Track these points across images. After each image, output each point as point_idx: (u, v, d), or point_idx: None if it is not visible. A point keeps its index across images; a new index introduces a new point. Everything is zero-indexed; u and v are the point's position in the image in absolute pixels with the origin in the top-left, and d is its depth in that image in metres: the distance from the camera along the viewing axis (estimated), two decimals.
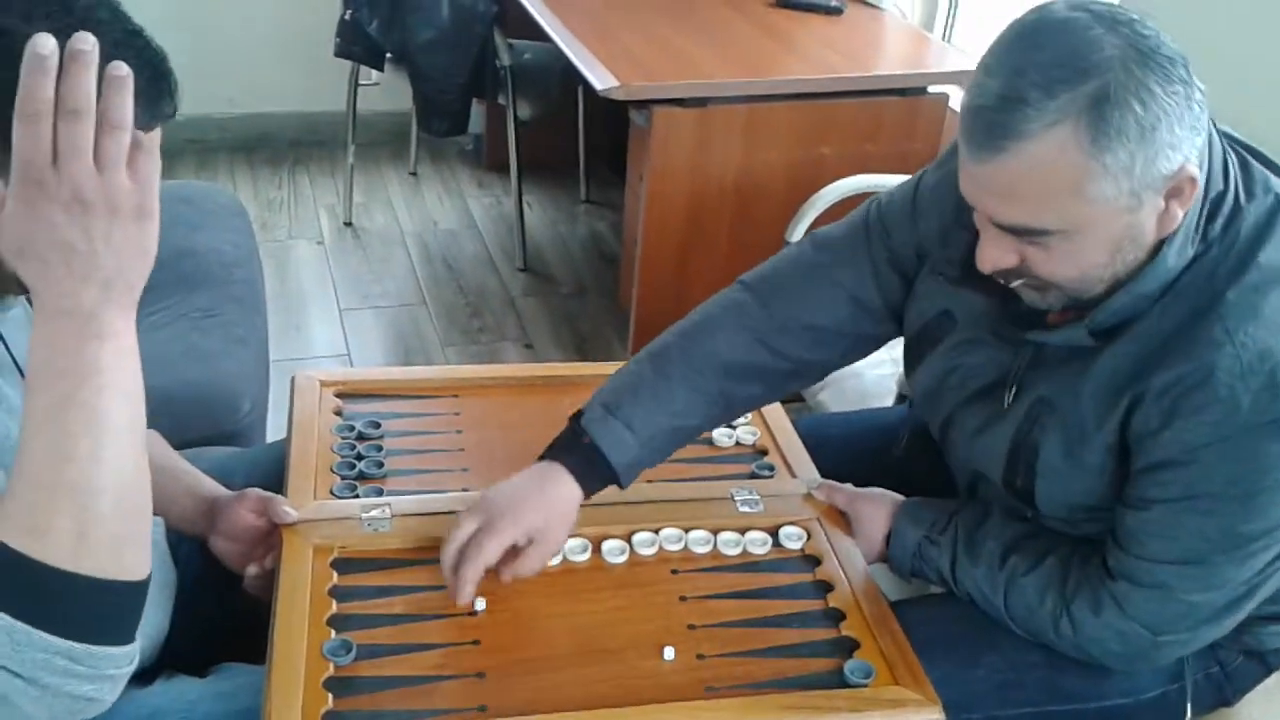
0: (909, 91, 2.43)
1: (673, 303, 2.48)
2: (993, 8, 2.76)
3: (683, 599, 1.14)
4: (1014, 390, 1.12)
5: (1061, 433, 1.07)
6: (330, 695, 0.99)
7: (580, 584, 1.15)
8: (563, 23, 2.53)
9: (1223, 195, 1.01)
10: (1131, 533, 1.05)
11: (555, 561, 1.17)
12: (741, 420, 1.41)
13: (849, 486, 1.27)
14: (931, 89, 2.46)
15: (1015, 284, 1.04)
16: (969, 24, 2.78)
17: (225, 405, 1.71)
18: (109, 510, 0.80)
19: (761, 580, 1.17)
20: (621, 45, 2.43)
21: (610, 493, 1.24)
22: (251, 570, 1.19)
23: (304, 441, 1.30)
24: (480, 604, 1.10)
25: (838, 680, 1.05)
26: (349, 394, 1.41)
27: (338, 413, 1.38)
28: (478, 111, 3.36)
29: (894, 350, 2.00)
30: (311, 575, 1.11)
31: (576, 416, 1.21)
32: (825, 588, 1.17)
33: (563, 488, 1.16)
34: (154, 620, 1.10)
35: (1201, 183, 0.96)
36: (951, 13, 2.81)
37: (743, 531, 1.22)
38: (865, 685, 1.04)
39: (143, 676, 1.09)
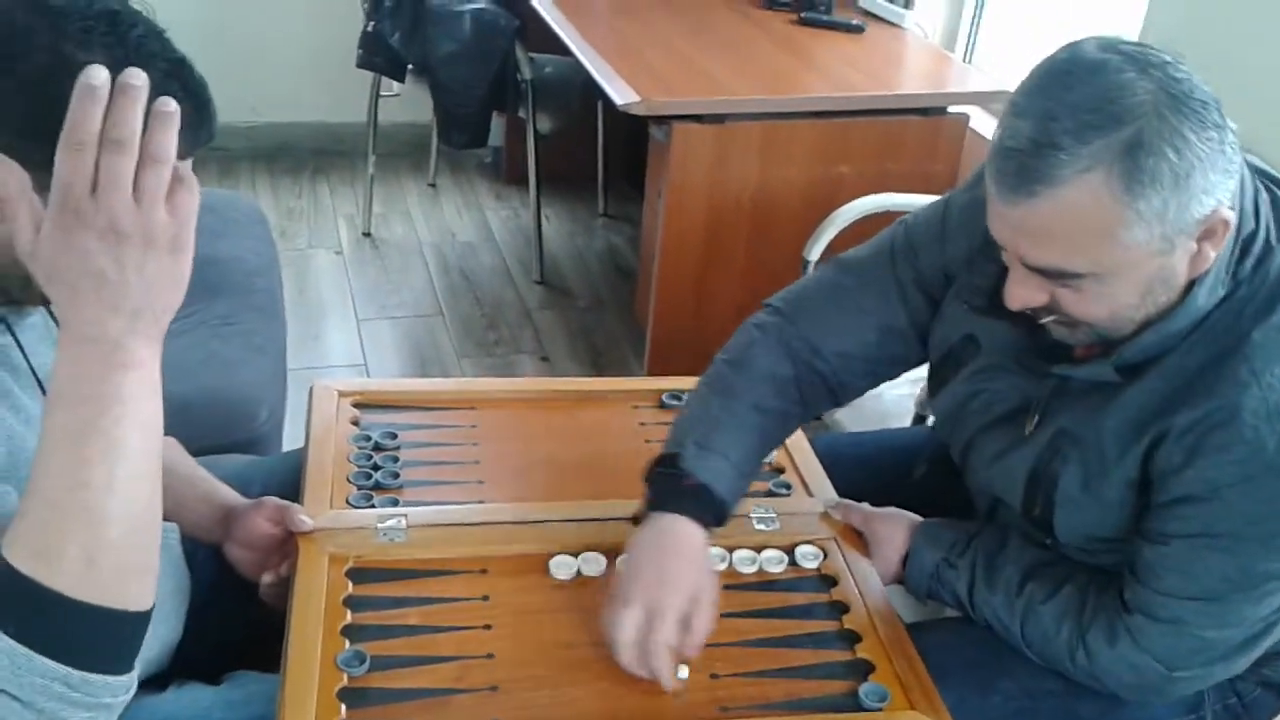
0: (929, 111, 2.43)
1: (690, 318, 2.49)
2: (1015, 29, 2.76)
3: None
4: (1036, 420, 1.11)
5: (1081, 465, 1.07)
6: (343, 706, 0.99)
7: (595, 599, 1.14)
8: (584, 37, 2.54)
9: (1254, 234, 1.00)
10: (1149, 566, 1.05)
11: (569, 576, 1.16)
12: None
13: (866, 506, 1.27)
14: (952, 109, 2.45)
15: (1044, 320, 1.03)
16: (990, 44, 2.78)
17: (243, 413, 1.72)
18: (118, 539, 0.80)
19: (777, 599, 1.17)
20: (642, 60, 2.44)
21: (625, 507, 1.24)
22: (266, 578, 1.18)
23: (321, 451, 1.31)
24: (684, 672, 1.05)
25: (852, 703, 1.05)
26: (366, 404, 1.42)
27: (355, 423, 1.38)
28: (497, 124, 3.37)
29: (912, 371, 2.00)
30: (326, 585, 1.11)
31: (666, 462, 1.17)
32: (841, 608, 1.16)
33: (692, 537, 1.12)
34: (168, 626, 1.10)
35: (1234, 223, 0.95)
36: (973, 33, 2.81)
37: (759, 549, 1.21)
38: (880, 709, 1.04)
39: (155, 683, 1.09)
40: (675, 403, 1.46)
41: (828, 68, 2.53)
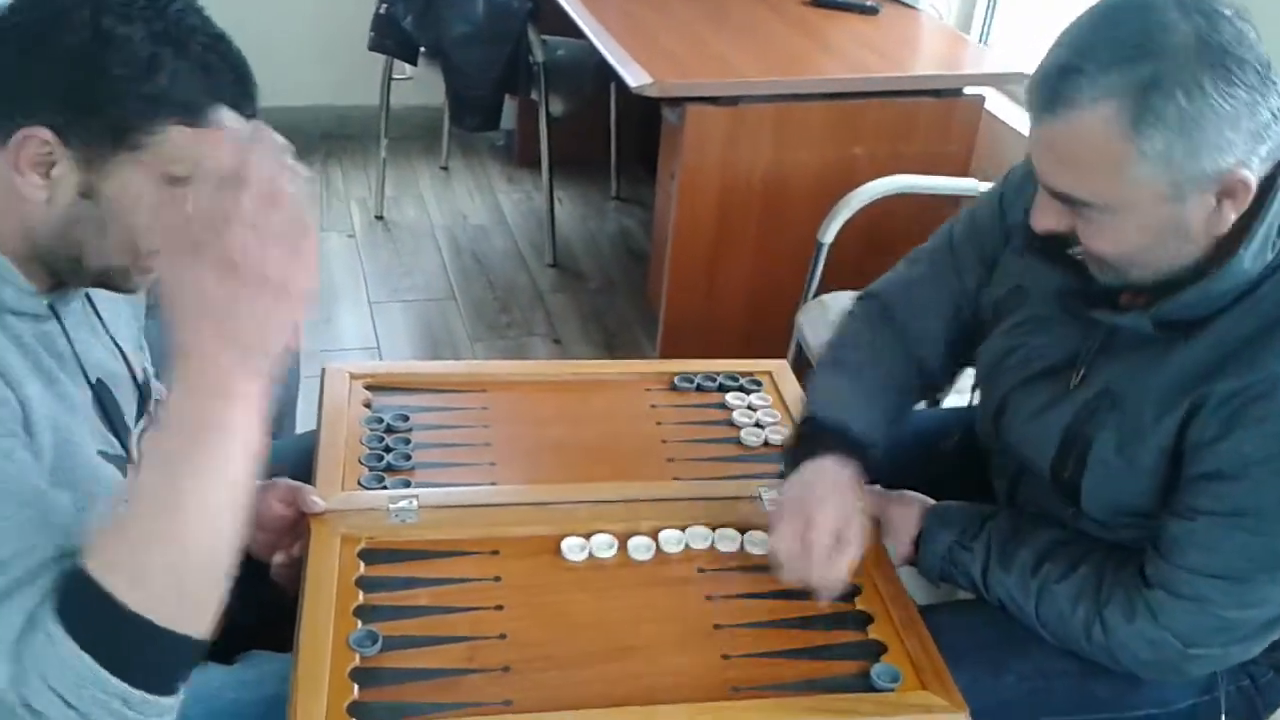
0: (944, 93, 2.41)
1: (702, 301, 2.48)
2: (1030, 9, 2.73)
3: (709, 598, 1.14)
4: (1082, 373, 1.11)
5: (1118, 428, 1.06)
6: (356, 686, 0.99)
7: (606, 581, 1.15)
8: (597, 19, 2.53)
9: None
10: (1174, 541, 1.04)
11: (581, 557, 1.16)
12: (769, 419, 1.41)
13: (878, 488, 1.27)
14: (967, 90, 2.44)
15: (1073, 251, 1.05)
16: (1006, 25, 2.76)
17: None
18: (200, 566, 0.81)
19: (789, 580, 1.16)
20: (655, 42, 2.43)
21: (637, 489, 1.25)
22: (279, 559, 1.19)
23: (333, 433, 1.31)
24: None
25: (864, 684, 1.05)
26: (378, 387, 1.42)
27: (367, 405, 1.38)
28: (510, 107, 3.36)
29: None
30: (339, 565, 1.12)
31: (804, 424, 1.23)
32: (853, 590, 1.16)
33: (837, 469, 1.16)
34: None
35: (1253, 187, 0.94)
36: (989, 14, 2.79)
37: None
38: (892, 690, 1.04)
39: None
40: (687, 385, 1.46)
41: (842, 49, 2.51)
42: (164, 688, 0.83)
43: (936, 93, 2.40)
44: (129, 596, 0.79)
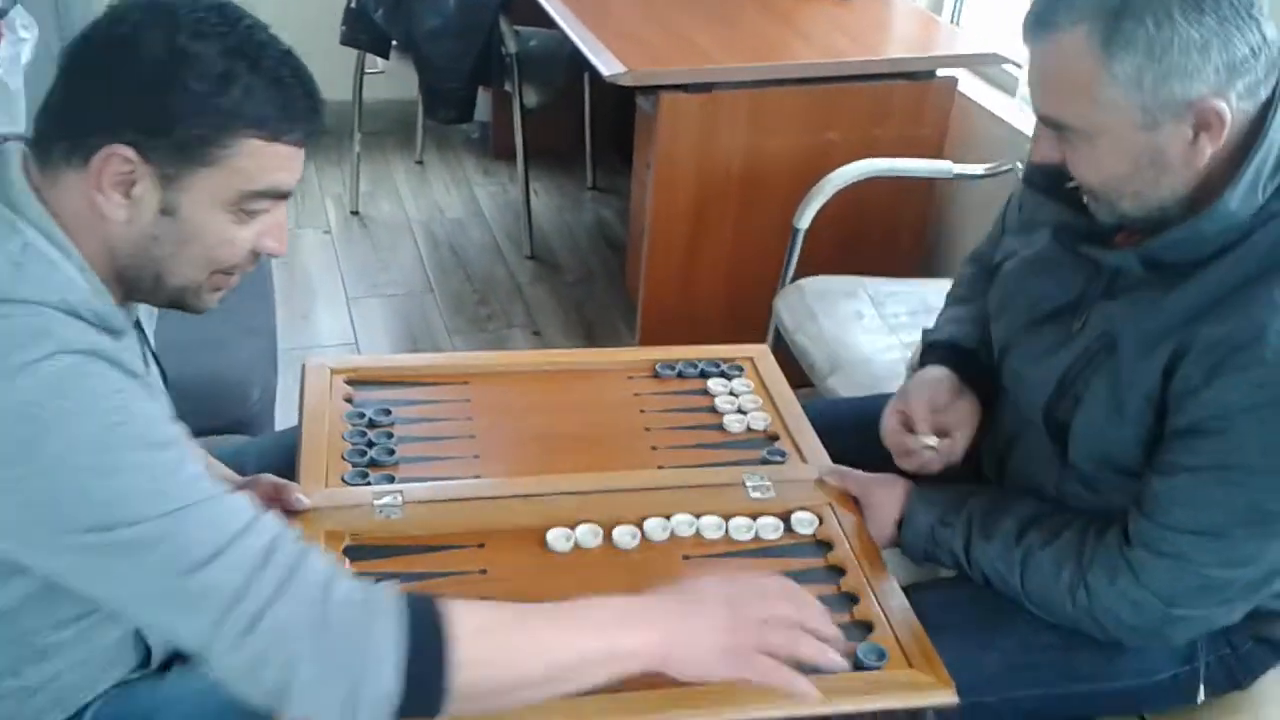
0: (917, 75, 2.41)
1: (680, 288, 2.49)
2: None
3: None
4: (1084, 320, 1.13)
5: (1113, 371, 1.07)
6: None
7: (592, 570, 1.15)
8: (569, 8, 2.52)
9: None
10: (1156, 498, 1.05)
11: (567, 548, 1.17)
12: (752, 405, 1.41)
13: (860, 472, 1.27)
14: (940, 72, 2.44)
15: (1073, 184, 1.08)
16: (978, 7, 2.77)
17: (235, 394, 1.72)
18: (505, 705, 0.92)
19: (773, 565, 1.17)
20: (627, 31, 2.43)
21: (621, 479, 1.25)
22: None
23: (315, 429, 1.31)
24: (932, 440, 1.24)
25: (851, 663, 1.05)
26: (359, 381, 1.42)
27: (348, 400, 1.38)
28: (484, 99, 3.35)
29: (903, 335, 2.00)
30: None
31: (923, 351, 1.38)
32: (838, 572, 1.17)
33: (934, 370, 1.31)
34: None
35: (1228, 120, 0.97)
36: None
37: (754, 517, 1.22)
38: (879, 668, 1.04)
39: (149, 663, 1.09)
40: (669, 373, 1.47)
41: (814, 34, 2.51)
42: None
43: (909, 75, 2.41)
44: (458, 679, 0.86)
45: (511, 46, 2.94)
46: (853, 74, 2.37)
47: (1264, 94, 1.00)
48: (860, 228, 2.44)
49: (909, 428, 1.26)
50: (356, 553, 1.14)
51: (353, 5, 3.02)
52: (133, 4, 0.90)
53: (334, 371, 1.41)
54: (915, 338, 1.92)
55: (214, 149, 0.90)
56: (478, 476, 1.27)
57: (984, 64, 2.54)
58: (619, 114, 3.24)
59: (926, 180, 2.44)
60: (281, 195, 0.96)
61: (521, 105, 3.03)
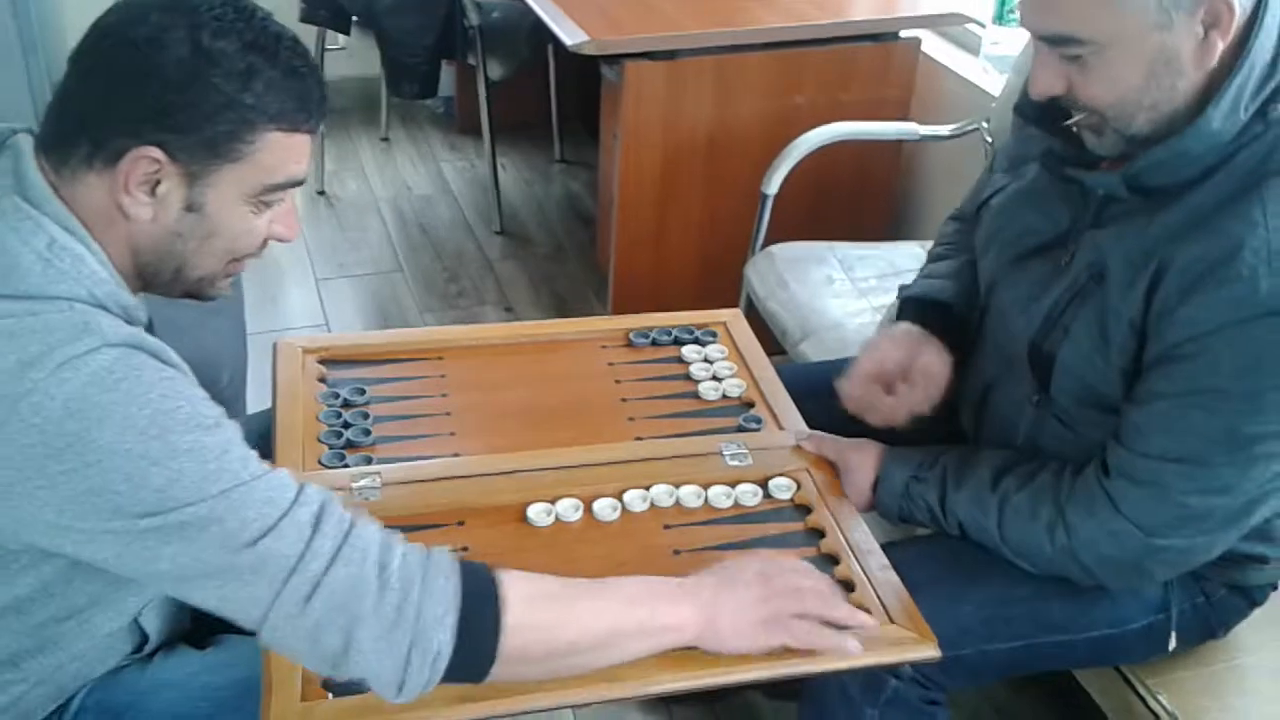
0: (882, 37, 2.41)
1: (651, 259, 2.48)
2: None
3: (676, 552, 1.15)
4: (1072, 253, 1.13)
5: (1100, 301, 1.08)
6: None
7: (573, 543, 1.15)
8: None
9: None
10: (1134, 427, 1.05)
11: (547, 522, 1.17)
12: (727, 371, 1.41)
13: (836, 437, 1.28)
14: (904, 34, 2.44)
15: (1073, 121, 1.06)
16: None
17: (204, 378, 1.67)
18: (568, 669, 0.95)
19: (753, 531, 1.18)
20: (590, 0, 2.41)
21: (599, 452, 1.25)
22: None
23: (289, 410, 1.30)
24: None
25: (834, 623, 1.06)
26: (332, 360, 1.41)
27: (322, 380, 1.37)
28: (448, 73, 3.32)
29: (873, 299, 2.01)
30: None
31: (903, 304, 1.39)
32: (817, 535, 1.18)
33: (902, 325, 1.33)
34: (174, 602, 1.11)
35: (1237, 26, 0.97)
36: None
37: (733, 485, 1.22)
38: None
39: (143, 650, 1.09)
40: (643, 340, 1.47)
41: None
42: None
43: (873, 37, 2.40)
44: (507, 647, 0.90)
45: (474, 19, 2.91)
46: (817, 38, 2.36)
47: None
48: (829, 192, 2.44)
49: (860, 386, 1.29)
50: None
51: None
52: (148, 3, 0.89)
53: (306, 351, 1.40)
54: (885, 301, 1.93)
55: (240, 145, 0.91)
56: (455, 454, 1.27)
57: (947, 24, 2.54)
58: (585, 85, 3.22)
59: (894, 143, 2.44)
60: (297, 184, 0.98)
61: (486, 78, 3.01)
